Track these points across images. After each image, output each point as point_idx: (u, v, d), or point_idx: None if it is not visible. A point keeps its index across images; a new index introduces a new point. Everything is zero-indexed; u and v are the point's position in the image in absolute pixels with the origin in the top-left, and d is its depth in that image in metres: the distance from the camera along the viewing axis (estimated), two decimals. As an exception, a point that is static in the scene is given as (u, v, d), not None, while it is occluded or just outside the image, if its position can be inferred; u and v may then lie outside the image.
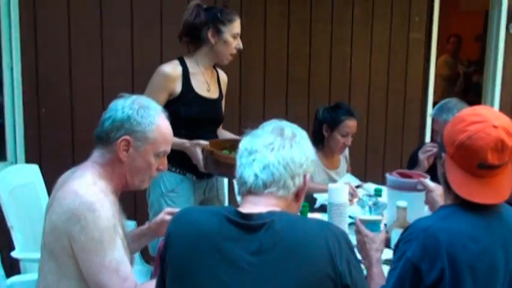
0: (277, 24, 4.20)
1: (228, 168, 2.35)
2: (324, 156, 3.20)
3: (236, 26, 2.58)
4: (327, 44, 4.44)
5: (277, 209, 1.40)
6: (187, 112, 2.53)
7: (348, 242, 1.39)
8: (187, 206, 2.41)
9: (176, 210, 1.97)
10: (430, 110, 5.14)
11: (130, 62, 3.69)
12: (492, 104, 5.55)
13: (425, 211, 2.22)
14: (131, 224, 2.62)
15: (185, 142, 2.48)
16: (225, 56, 2.61)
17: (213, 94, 2.67)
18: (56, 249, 1.67)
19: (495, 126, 1.56)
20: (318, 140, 3.13)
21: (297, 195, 1.46)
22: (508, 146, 1.56)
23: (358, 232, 1.93)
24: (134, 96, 1.79)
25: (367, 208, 2.44)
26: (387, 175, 2.44)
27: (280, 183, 1.41)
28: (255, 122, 4.19)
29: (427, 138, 5.22)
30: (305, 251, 1.31)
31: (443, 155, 1.67)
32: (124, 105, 1.74)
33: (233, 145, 2.58)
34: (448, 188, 1.66)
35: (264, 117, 4.14)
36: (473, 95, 6.81)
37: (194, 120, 2.56)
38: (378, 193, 2.52)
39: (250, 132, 1.51)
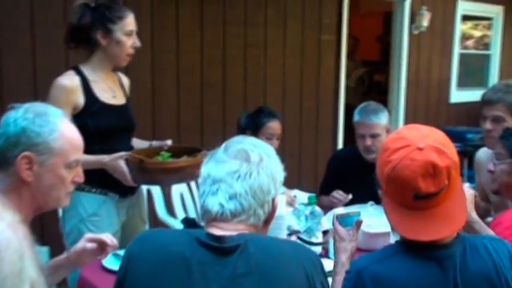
0: (189, 27, 4.03)
1: (165, 175, 2.16)
2: None
3: (129, 23, 2.32)
4: (240, 46, 4.33)
5: (246, 232, 1.31)
6: (96, 124, 2.28)
7: (322, 265, 1.35)
8: (110, 230, 2.18)
9: (98, 236, 1.76)
10: (342, 111, 5.20)
11: (31, 62, 3.33)
12: (398, 103, 5.76)
13: None
14: (44, 251, 2.34)
15: (103, 157, 2.24)
16: (121, 58, 2.36)
17: (120, 100, 2.44)
18: None
19: (420, 149, 1.35)
20: None
21: (266, 221, 1.38)
22: (442, 167, 1.35)
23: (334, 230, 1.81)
24: (27, 105, 1.52)
25: (303, 218, 2.33)
26: None
27: (250, 212, 1.32)
28: (169, 129, 4.00)
29: (340, 141, 5.27)
30: (281, 274, 1.25)
31: (379, 192, 1.49)
32: (16, 117, 1.48)
33: (158, 151, 2.38)
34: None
35: (178, 124, 4.04)
36: (376, 93, 7.05)
37: (105, 132, 2.32)
38: (311, 201, 2.41)
39: (212, 156, 1.38)
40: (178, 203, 3.05)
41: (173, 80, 4.00)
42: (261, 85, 4.52)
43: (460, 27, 6.30)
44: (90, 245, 1.74)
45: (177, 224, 2.88)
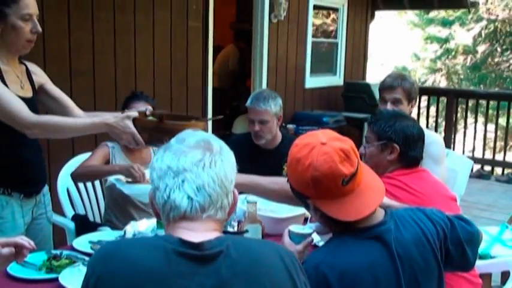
0: (56, 10, 3.76)
1: None
2: (127, 151, 2.92)
3: (25, 6, 2.13)
4: (110, 33, 4.16)
5: (218, 233, 1.26)
6: None
7: (299, 263, 1.33)
8: (15, 233, 2.00)
9: (13, 240, 1.63)
10: (210, 97, 5.26)
11: None
12: (261, 87, 5.96)
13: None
14: None
15: (107, 119, 2.06)
16: (20, 44, 2.17)
17: (27, 93, 2.25)
18: None
19: (324, 143, 1.53)
20: None
21: (228, 214, 1.33)
22: (349, 150, 1.53)
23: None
24: None
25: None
26: None
27: (217, 205, 1.27)
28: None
29: (209, 127, 5.32)
30: (267, 277, 1.21)
31: (309, 202, 1.59)
32: None
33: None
34: (334, 224, 1.57)
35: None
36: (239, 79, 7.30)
37: (7, 125, 2.11)
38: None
39: (166, 149, 1.30)
40: (65, 199, 2.86)
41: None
42: (131, 73, 4.39)
43: (312, 17, 6.69)
44: (6, 250, 1.61)
45: (67, 222, 2.71)
